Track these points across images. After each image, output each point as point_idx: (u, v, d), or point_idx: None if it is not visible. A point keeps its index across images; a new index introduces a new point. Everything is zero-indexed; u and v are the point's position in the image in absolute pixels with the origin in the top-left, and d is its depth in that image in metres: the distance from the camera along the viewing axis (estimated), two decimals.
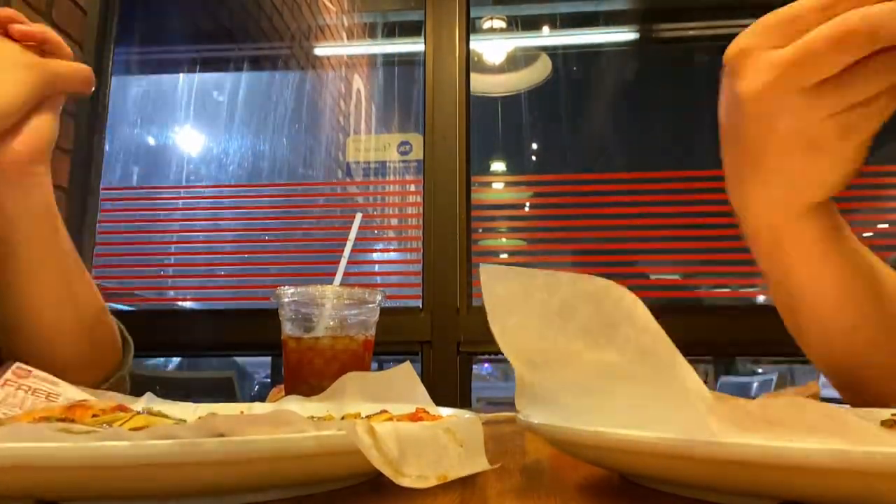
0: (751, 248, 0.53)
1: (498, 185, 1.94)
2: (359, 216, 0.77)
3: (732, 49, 0.43)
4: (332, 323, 0.67)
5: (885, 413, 0.44)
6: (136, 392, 0.57)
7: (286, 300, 0.68)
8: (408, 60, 2.09)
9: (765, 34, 0.42)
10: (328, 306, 0.67)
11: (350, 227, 0.75)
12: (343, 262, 0.73)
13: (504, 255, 1.94)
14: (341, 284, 0.70)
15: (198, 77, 2.15)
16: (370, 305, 0.70)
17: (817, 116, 0.41)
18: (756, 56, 0.42)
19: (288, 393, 0.65)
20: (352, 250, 0.74)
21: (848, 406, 0.53)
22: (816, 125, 0.41)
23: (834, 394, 0.60)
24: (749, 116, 0.43)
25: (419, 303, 1.67)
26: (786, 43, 0.40)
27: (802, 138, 0.42)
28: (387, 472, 0.29)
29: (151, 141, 2.09)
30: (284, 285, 0.68)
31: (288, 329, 0.69)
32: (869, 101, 0.40)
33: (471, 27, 1.83)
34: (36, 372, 0.49)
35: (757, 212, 0.50)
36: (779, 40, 0.41)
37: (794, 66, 0.40)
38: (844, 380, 0.58)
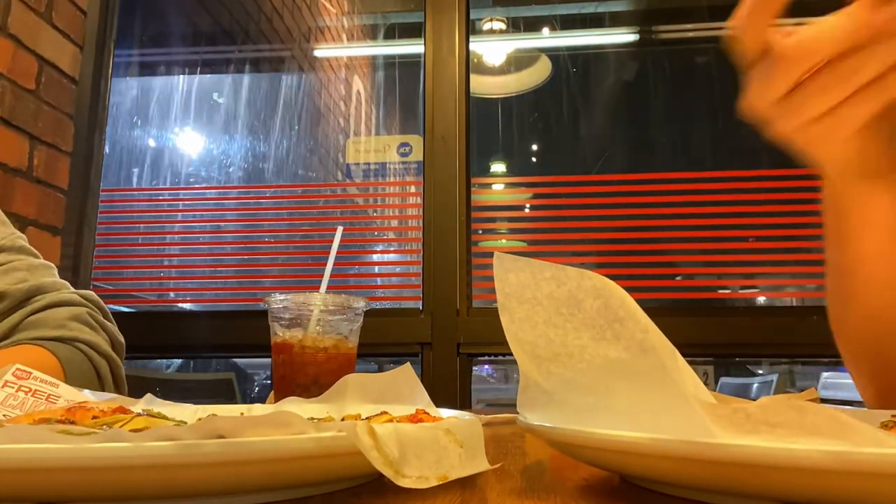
0: (825, 211, 0.57)
1: (498, 187, 1.94)
2: (340, 229, 0.82)
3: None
4: (318, 328, 0.71)
5: (885, 415, 0.44)
6: (137, 394, 0.57)
7: (274, 306, 0.73)
8: (408, 62, 2.09)
9: None
10: (314, 312, 0.71)
11: (332, 240, 0.79)
12: (327, 272, 0.77)
13: None
14: (327, 291, 0.74)
15: (198, 79, 2.15)
16: (355, 311, 0.74)
17: (794, 124, 0.45)
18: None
19: (277, 396, 0.66)
20: (352, 252, 0.76)
21: (849, 408, 0.53)
22: (797, 130, 0.46)
23: (834, 396, 0.61)
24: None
25: (419, 304, 1.66)
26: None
27: (798, 139, 0.47)
28: (387, 473, 0.29)
29: (151, 142, 2.09)
30: (274, 293, 0.73)
31: (276, 334, 0.73)
32: (832, 109, 0.43)
33: (471, 28, 1.83)
34: (36, 373, 0.49)
35: (829, 178, 0.54)
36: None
37: (758, 83, 0.44)
38: (876, 361, 0.59)
